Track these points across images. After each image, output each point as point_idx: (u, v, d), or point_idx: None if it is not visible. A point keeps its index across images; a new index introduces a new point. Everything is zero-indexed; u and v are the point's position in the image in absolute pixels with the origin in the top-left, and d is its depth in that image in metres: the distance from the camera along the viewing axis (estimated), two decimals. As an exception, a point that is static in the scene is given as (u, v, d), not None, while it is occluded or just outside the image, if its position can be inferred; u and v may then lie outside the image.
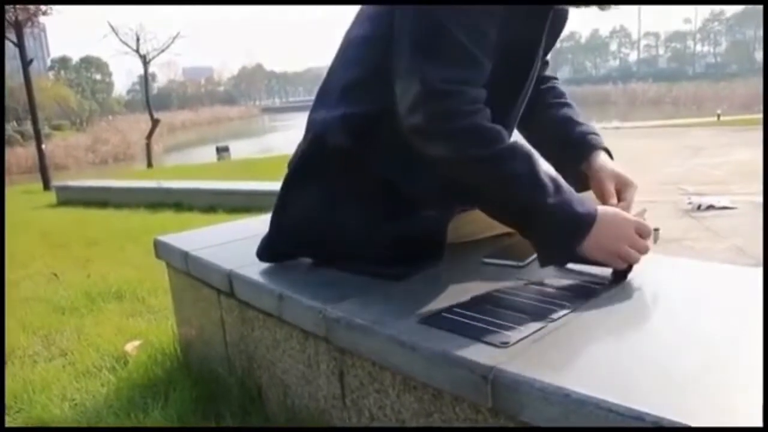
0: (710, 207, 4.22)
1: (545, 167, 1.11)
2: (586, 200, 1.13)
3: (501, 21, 1.12)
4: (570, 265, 1.19)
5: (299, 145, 1.36)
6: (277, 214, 1.39)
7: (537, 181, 1.08)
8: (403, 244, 1.26)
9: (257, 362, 1.46)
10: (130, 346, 2.03)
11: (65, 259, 4.01)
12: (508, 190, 1.11)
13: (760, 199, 4.51)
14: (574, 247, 1.11)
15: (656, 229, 1.19)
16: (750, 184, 5.20)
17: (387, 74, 1.16)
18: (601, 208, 1.13)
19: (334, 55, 1.37)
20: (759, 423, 0.67)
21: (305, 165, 1.33)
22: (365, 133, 1.24)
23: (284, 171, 1.39)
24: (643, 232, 1.12)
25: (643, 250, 1.12)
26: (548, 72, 1.51)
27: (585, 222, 1.10)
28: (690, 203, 4.39)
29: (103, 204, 7.42)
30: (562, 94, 1.49)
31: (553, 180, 1.10)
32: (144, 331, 2.24)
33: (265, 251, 1.41)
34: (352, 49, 1.32)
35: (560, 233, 1.10)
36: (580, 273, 1.19)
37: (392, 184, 1.24)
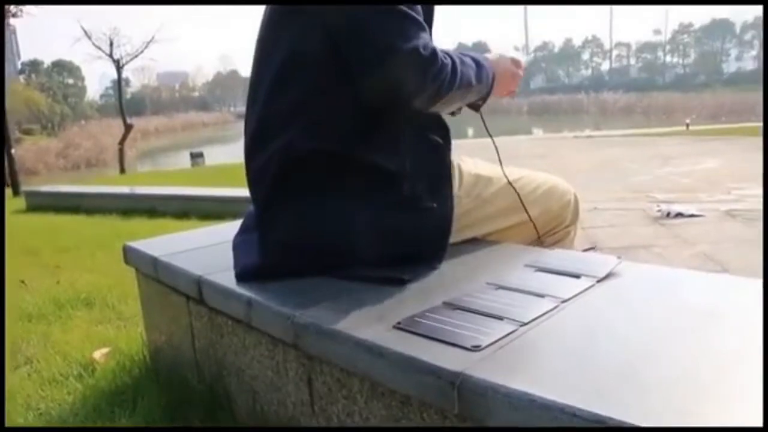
0: (679, 215, 4.28)
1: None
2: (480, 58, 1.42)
3: None
4: (542, 269, 1.24)
5: (256, 163, 1.37)
6: (266, 233, 1.35)
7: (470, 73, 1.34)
8: (407, 239, 1.31)
9: (226, 368, 1.45)
10: (98, 354, 2.00)
11: (34, 265, 3.93)
12: (463, 92, 1.34)
13: (726, 207, 4.60)
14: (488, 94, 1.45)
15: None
16: (717, 193, 5.30)
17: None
18: (492, 60, 1.47)
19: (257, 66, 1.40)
20: (744, 423, 0.69)
21: (285, 179, 1.31)
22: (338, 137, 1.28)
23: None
24: (517, 63, 1.54)
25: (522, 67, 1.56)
26: None
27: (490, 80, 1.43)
28: (659, 211, 4.45)
29: (74, 210, 7.29)
30: None
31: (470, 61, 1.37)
32: (113, 338, 2.20)
33: (253, 273, 1.35)
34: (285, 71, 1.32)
35: (485, 90, 1.43)
36: (553, 276, 1.21)
37: (385, 173, 1.30)
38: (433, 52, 1.22)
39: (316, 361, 1.15)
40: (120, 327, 2.39)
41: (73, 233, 5.43)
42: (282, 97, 1.32)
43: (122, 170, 20.03)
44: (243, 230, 1.55)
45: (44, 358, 2.04)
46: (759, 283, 1.10)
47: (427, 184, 1.35)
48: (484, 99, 1.48)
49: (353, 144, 1.28)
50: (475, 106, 1.51)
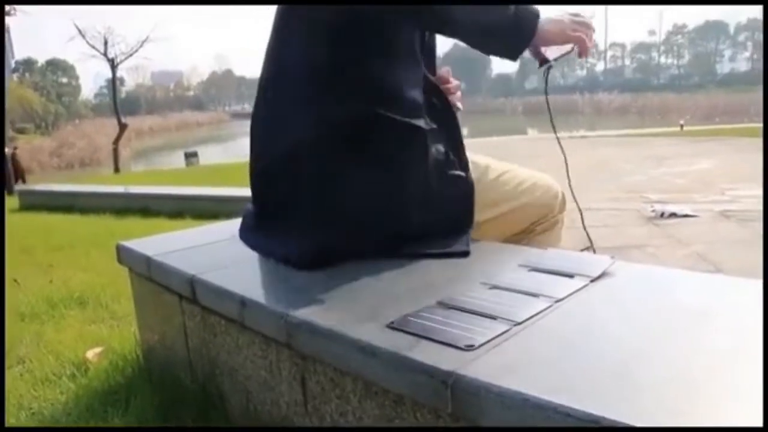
0: (672, 215, 4.30)
1: None
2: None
3: None
4: (536, 268, 1.24)
5: (276, 149, 1.40)
6: (325, 212, 1.36)
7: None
8: (445, 206, 1.39)
9: (219, 368, 1.44)
10: (92, 353, 1.99)
11: (27, 264, 3.91)
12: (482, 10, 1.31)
13: (720, 207, 4.61)
14: (533, 32, 1.34)
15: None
16: (711, 193, 5.32)
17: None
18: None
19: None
20: (738, 423, 0.69)
21: (318, 157, 1.34)
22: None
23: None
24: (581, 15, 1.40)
25: (588, 25, 1.40)
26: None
27: (535, 13, 1.35)
28: (653, 211, 4.47)
29: (68, 209, 7.26)
30: None
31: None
32: (106, 337, 2.19)
33: (314, 256, 1.34)
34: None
35: (526, 23, 1.34)
36: (547, 276, 1.21)
37: (415, 131, 1.37)
38: None
39: (309, 361, 1.14)
40: (113, 326, 2.38)
41: (67, 232, 5.41)
42: (301, 81, 1.37)
43: (116, 169, 20.00)
44: (249, 228, 1.56)
45: (37, 358, 2.03)
46: (753, 283, 1.11)
47: (450, 147, 1.43)
48: (526, 40, 1.36)
49: (381, 106, 1.33)
50: (540, 58, 1.43)
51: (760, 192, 5.07)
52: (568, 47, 1.43)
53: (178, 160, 24.25)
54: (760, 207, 4.48)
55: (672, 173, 7.13)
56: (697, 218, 4.29)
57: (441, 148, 1.42)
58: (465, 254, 1.35)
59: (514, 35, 1.35)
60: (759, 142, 10.27)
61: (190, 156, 22.42)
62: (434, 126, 1.41)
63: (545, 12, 1.36)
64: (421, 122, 1.38)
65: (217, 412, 1.42)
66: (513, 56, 1.37)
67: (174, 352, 1.63)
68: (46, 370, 1.91)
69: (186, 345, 1.56)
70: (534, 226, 1.64)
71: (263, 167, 1.48)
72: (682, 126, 19.36)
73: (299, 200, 1.39)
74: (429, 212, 1.38)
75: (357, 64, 1.33)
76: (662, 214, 4.36)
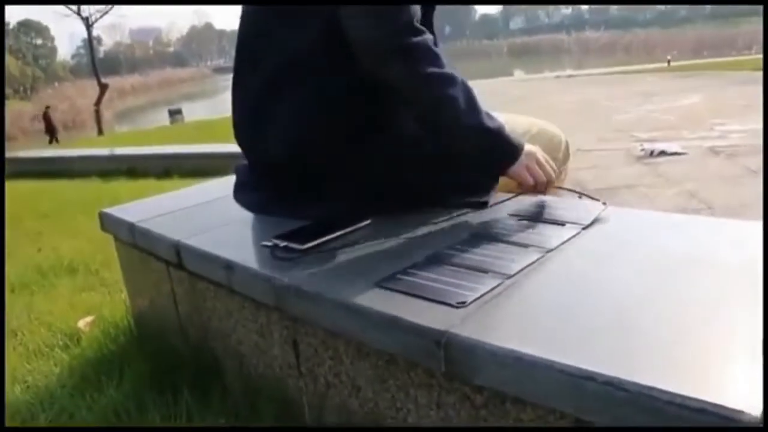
0: (662, 153, 4.27)
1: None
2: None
3: None
4: (526, 217, 1.24)
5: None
6: (344, 182, 1.36)
7: (478, 108, 1.24)
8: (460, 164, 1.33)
9: (211, 333, 1.43)
10: (83, 323, 1.97)
11: (15, 233, 3.87)
12: (455, 111, 1.22)
13: (709, 143, 4.59)
14: (507, 168, 1.27)
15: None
16: (699, 130, 5.29)
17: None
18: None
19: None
20: (735, 381, 0.67)
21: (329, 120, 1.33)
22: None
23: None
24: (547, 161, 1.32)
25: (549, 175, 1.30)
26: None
27: (519, 147, 1.27)
28: (643, 150, 4.44)
29: (54, 174, 7.18)
30: None
31: (487, 113, 1.26)
32: (97, 305, 2.18)
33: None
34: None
35: (498, 154, 1.27)
36: (538, 225, 1.19)
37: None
38: (418, 29, 1.22)
39: (300, 323, 1.13)
40: (104, 293, 2.37)
41: (54, 198, 5.35)
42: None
43: (100, 131, 19.82)
44: (244, 187, 1.54)
45: (29, 330, 2.02)
46: (747, 225, 1.09)
47: None
48: (497, 161, 1.29)
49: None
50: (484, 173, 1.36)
51: (747, 127, 5.06)
52: None
53: (162, 117, 23.97)
54: (748, 142, 4.47)
55: (659, 110, 7.08)
56: (687, 155, 4.27)
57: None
58: (483, 205, 1.32)
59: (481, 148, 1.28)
60: (745, 75, 10.22)
61: (175, 113, 22.20)
62: None
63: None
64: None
65: (212, 377, 1.41)
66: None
67: (165, 318, 1.61)
68: (39, 341, 1.90)
69: (176, 311, 1.55)
70: None
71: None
72: (669, 62, 19.22)
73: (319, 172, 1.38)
74: (445, 169, 1.35)
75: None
76: (652, 153, 4.33)
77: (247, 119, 1.46)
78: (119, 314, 1.90)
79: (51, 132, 20.37)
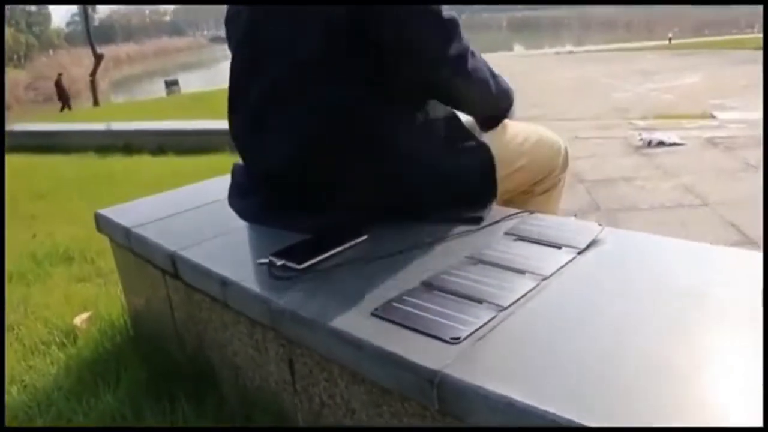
0: (660, 143, 4.27)
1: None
2: None
3: None
4: (522, 237, 1.25)
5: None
6: (342, 192, 1.37)
7: (497, 79, 1.46)
8: (462, 178, 1.38)
9: (207, 342, 1.44)
10: (79, 320, 1.98)
11: (10, 216, 3.85)
12: (489, 93, 1.44)
13: (708, 134, 4.59)
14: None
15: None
16: (698, 110, 5.27)
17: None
18: None
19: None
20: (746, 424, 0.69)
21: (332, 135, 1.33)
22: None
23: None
24: None
25: None
26: None
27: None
28: (641, 140, 4.43)
29: (49, 149, 7.12)
30: None
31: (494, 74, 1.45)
32: (93, 298, 2.18)
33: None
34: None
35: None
36: (534, 247, 1.19)
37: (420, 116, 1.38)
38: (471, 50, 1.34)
39: (295, 344, 1.14)
40: (100, 285, 2.37)
41: (49, 176, 5.32)
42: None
43: (96, 102, 19.61)
44: (240, 190, 1.54)
45: (26, 325, 2.02)
46: (748, 255, 1.10)
47: (453, 128, 1.42)
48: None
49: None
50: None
51: (746, 116, 5.05)
52: None
53: (158, 88, 23.78)
54: (747, 133, 4.46)
55: (659, 89, 7.06)
56: (685, 146, 4.27)
57: (443, 125, 1.41)
58: (479, 220, 1.33)
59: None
60: (746, 54, 10.15)
61: (171, 84, 22.02)
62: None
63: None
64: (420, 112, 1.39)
65: (209, 386, 1.43)
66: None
67: (161, 322, 1.62)
68: (35, 338, 1.90)
69: (172, 317, 1.55)
70: (534, 186, 1.59)
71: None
72: (670, 39, 19.06)
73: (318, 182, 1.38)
74: (444, 184, 1.36)
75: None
76: (650, 143, 4.33)
77: (248, 126, 1.45)
78: (115, 312, 1.91)
79: (64, 99, 20.27)
